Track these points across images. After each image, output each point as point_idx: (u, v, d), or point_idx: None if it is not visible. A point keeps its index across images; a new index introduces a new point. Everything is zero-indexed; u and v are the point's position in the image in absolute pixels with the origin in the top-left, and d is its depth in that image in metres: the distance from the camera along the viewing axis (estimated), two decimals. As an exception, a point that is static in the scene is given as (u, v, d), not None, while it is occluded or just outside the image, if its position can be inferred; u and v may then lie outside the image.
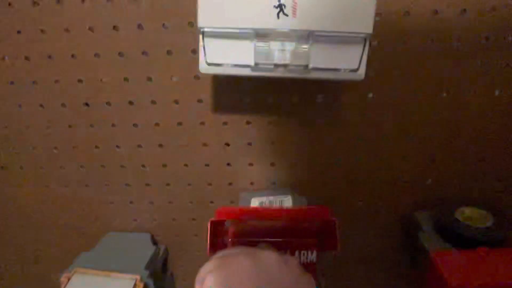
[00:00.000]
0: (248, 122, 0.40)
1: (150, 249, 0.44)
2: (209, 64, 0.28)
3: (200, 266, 0.23)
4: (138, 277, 0.39)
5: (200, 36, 0.28)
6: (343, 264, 0.46)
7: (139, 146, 0.42)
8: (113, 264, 0.41)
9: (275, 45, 0.27)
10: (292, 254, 0.27)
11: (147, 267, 0.41)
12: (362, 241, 0.45)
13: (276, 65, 0.28)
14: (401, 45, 0.35)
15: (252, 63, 0.28)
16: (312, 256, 0.27)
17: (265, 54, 0.27)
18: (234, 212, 0.27)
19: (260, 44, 0.27)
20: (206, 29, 0.27)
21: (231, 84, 0.38)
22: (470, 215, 0.38)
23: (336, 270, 0.46)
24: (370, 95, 0.38)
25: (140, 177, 0.43)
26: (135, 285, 0.38)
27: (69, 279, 0.39)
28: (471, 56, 0.35)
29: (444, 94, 0.37)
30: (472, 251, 0.33)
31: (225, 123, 0.40)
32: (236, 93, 0.39)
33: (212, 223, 0.26)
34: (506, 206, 0.41)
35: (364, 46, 0.27)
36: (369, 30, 0.26)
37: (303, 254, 0.27)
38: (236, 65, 0.28)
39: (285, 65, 0.28)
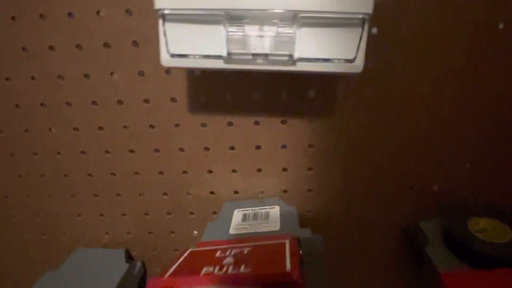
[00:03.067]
0: (230, 123, 0.35)
1: (123, 267, 0.39)
2: (172, 56, 0.23)
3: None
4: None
5: (160, 21, 0.23)
6: (340, 284, 0.41)
7: (107, 152, 0.36)
8: (80, 286, 0.36)
9: (251, 30, 0.22)
10: None
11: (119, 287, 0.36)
12: (360, 257, 0.40)
13: (254, 55, 0.23)
14: (406, 29, 0.30)
15: (225, 53, 0.22)
16: None
17: (240, 41, 0.22)
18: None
19: (233, 29, 0.22)
20: (166, 12, 0.22)
21: (209, 79, 0.33)
22: (485, 227, 0.33)
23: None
24: (370, 89, 0.32)
25: (109, 187, 0.38)
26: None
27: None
28: (486, 42, 0.30)
29: (455, 88, 0.32)
30: (492, 272, 0.28)
31: (203, 125, 0.35)
32: (215, 89, 0.33)
33: None
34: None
35: (363, 30, 0.22)
36: (369, 9, 0.21)
37: None
38: (206, 56, 0.23)
39: (265, 55, 0.23)
